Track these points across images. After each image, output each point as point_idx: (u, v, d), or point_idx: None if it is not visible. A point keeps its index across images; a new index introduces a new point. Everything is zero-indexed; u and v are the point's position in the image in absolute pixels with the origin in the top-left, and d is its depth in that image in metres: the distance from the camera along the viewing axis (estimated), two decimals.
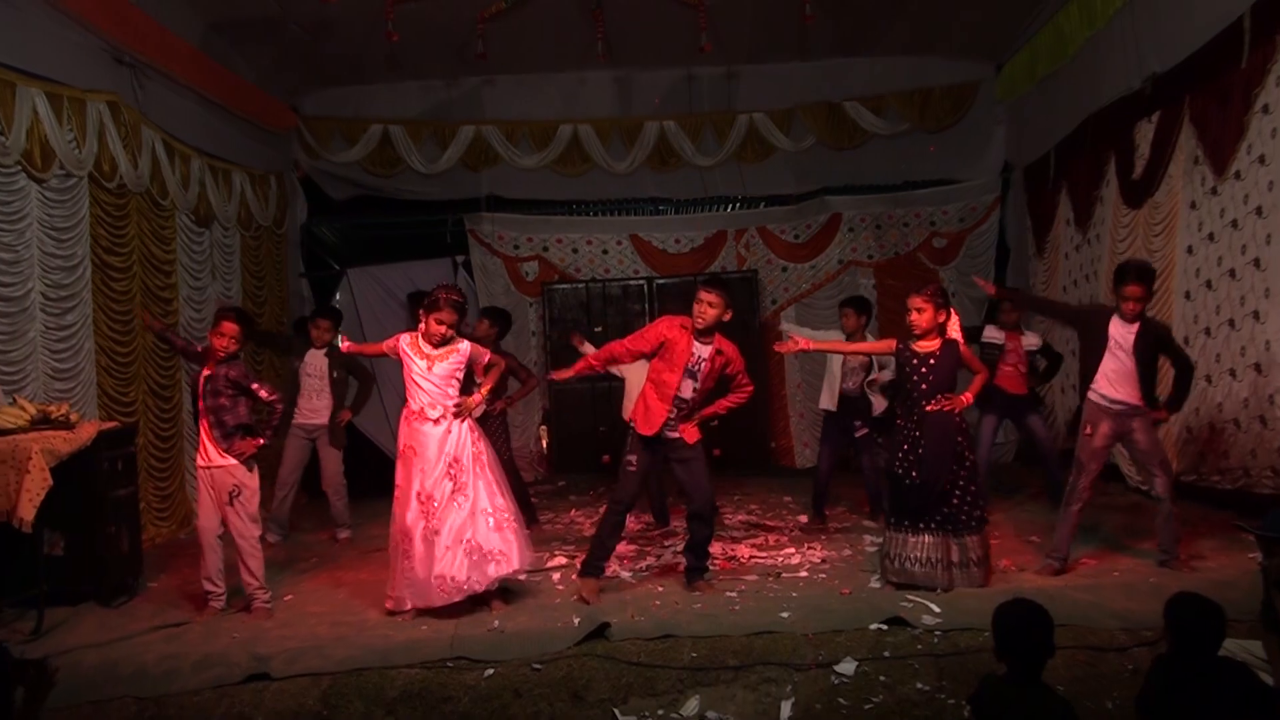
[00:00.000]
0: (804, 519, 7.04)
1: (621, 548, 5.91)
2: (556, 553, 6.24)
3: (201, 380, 5.09)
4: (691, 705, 3.95)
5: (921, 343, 5.02)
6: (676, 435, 5.15)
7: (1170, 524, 5.16)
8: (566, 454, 9.89)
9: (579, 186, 10.27)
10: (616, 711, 3.95)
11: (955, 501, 4.90)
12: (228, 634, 4.80)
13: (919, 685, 3.99)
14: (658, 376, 5.10)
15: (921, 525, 4.93)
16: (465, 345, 5.12)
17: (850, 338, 6.67)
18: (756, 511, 7.53)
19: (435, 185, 10.10)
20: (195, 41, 7.70)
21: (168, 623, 5.00)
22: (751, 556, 6.01)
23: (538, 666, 4.20)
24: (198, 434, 5.26)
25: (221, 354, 5.07)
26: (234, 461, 5.04)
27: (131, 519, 5.65)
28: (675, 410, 5.09)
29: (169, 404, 7.22)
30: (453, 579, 4.82)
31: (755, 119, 9.87)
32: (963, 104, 9.81)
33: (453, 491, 4.91)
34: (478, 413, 5.28)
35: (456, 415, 5.01)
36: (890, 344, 5.21)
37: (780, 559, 5.91)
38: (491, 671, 4.18)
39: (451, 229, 10.15)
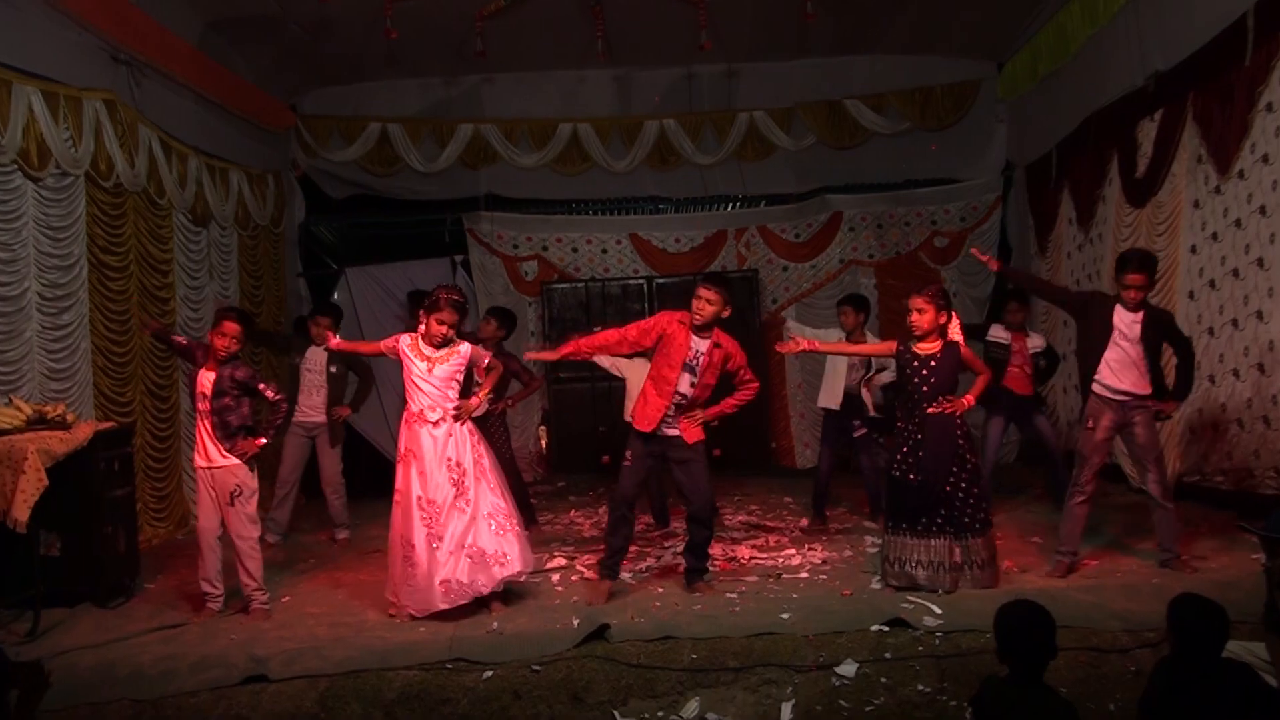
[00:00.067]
0: (804, 522, 6.99)
1: None
2: (556, 554, 6.23)
3: (211, 382, 5.06)
4: (691, 707, 3.93)
5: (922, 344, 4.98)
6: (675, 433, 5.12)
7: (1168, 521, 5.14)
8: (566, 454, 9.86)
9: (578, 185, 10.23)
10: (616, 713, 3.93)
11: (957, 504, 4.87)
12: (225, 635, 4.78)
13: (920, 687, 3.97)
14: (657, 373, 5.09)
15: (922, 528, 4.89)
16: (465, 347, 5.11)
17: (849, 335, 6.65)
18: (757, 512, 7.51)
19: (434, 184, 10.06)
20: (194, 40, 7.67)
21: (165, 624, 4.98)
22: (752, 557, 5.99)
23: (537, 668, 4.18)
24: (195, 434, 5.23)
25: (223, 354, 5.05)
26: (236, 461, 5.02)
27: (128, 520, 5.62)
28: (673, 406, 5.07)
29: (166, 404, 7.20)
30: (458, 582, 4.81)
31: (755, 117, 9.83)
32: (964, 102, 9.77)
33: (455, 497, 4.89)
34: (478, 414, 5.26)
35: (456, 418, 4.99)
36: (891, 346, 5.17)
37: (781, 560, 5.89)
38: (490, 673, 4.16)
39: (450, 228, 10.11)
